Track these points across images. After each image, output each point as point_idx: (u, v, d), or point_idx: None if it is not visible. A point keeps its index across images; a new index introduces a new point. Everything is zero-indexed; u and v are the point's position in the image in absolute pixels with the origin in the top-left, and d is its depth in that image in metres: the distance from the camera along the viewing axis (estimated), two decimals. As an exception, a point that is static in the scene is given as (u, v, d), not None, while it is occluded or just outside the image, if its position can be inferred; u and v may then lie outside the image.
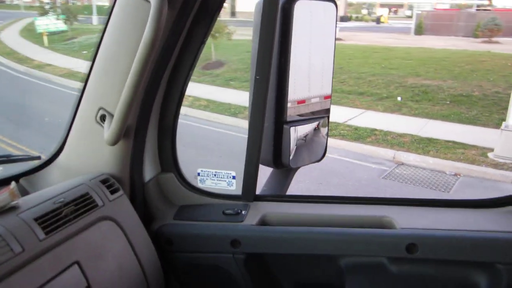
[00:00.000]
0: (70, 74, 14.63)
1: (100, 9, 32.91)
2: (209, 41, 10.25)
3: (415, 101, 11.14)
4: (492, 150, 7.90)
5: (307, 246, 1.58)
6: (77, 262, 1.26)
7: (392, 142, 8.42)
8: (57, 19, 22.08)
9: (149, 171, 1.71)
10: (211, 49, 15.42)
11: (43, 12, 22.64)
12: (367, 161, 7.74)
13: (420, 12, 28.10)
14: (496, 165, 7.36)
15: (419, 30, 26.20)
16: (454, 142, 8.29)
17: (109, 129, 1.43)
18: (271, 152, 1.60)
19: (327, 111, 1.73)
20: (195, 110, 10.39)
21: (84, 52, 19.05)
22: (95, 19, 31.26)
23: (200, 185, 1.80)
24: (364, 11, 51.17)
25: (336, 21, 1.65)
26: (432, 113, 10.32)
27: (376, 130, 9.02)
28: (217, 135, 9.08)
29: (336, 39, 1.68)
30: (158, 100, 1.62)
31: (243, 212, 1.66)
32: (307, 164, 1.72)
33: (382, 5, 58.22)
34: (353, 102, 11.24)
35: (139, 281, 1.47)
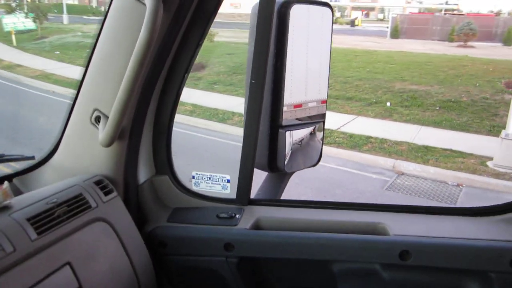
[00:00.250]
0: (43, 76, 13.84)
1: (70, 8, 31.81)
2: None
3: (405, 107, 11.00)
4: (489, 158, 7.79)
5: (300, 251, 1.57)
6: (69, 263, 1.25)
7: (389, 150, 8.20)
8: (26, 17, 21.05)
9: (143, 173, 1.69)
10: (191, 51, 14.94)
11: (10, 10, 21.55)
12: (366, 170, 7.49)
13: (395, 15, 28.32)
14: (498, 175, 7.23)
15: (395, 33, 26.39)
16: (451, 151, 8.14)
17: (103, 131, 1.43)
18: (266, 156, 1.60)
19: (323, 115, 1.72)
20: (181, 115, 9.88)
21: (57, 52, 18.20)
22: (66, 18, 30.16)
23: (194, 188, 1.78)
24: (338, 14, 51.52)
25: (332, 26, 1.65)
26: (423, 119, 10.20)
27: (371, 137, 8.79)
28: (208, 142, 8.64)
29: (332, 43, 1.67)
30: (153, 102, 1.61)
31: (237, 215, 1.65)
32: (302, 169, 1.71)
33: (354, 8, 58.85)
34: (342, 108, 11.01)
35: (131, 283, 1.46)
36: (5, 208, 1.21)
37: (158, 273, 1.62)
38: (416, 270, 1.54)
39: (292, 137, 1.61)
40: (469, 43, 22.54)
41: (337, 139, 8.71)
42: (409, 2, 56.44)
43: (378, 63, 15.78)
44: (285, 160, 1.61)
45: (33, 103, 11.30)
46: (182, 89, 1.64)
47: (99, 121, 1.48)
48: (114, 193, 1.52)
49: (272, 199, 1.78)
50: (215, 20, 1.56)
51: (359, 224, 1.60)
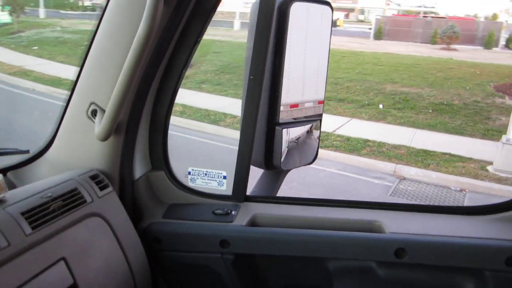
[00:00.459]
0: (22, 73, 13.21)
1: (46, 2, 30.84)
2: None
3: (398, 109, 10.89)
4: (488, 163, 7.71)
5: (296, 248, 1.57)
6: (64, 259, 1.24)
7: (388, 154, 8.03)
8: (2, 10, 20.23)
9: (139, 169, 1.68)
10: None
11: (-16, 3, 20.70)
12: (367, 175, 7.29)
13: (379, 17, 28.43)
14: (500, 180, 7.14)
15: (379, 35, 26.47)
16: (450, 155, 8.03)
17: (100, 125, 1.42)
18: (262, 153, 1.60)
19: (320, 115, 1.72)
20: (172, 116, 9.53)
21: (35, 48, 17.50)
22: (42, 12, 29.20)
23: (190, 184, 1.77)
24: (319, 14, 51.37)
25: (332, 25, 1.64)
26: (417, 122, 10.09)
27: (369, 141, 8.61)
28: (202, 145, 8.29)
29: (330, 43, 1.65)
30: (150, 97, 1.59)
31: (233, 212, 1.64)
32: (298, 167, 1.71)
33: (335, 9, 58.86)
34: (336, 110, 10.81)
35: (126, 278, 1.45)
36: None
37: (153, 269, 1.61)
38: (412, 268, 1.53)
39: (289, 134, 1.60)
40: (452, 46, 22.75)
41: (334, 142, 8.50)
42: (388, 4, 57.04)
43: (366, 64, 15.69)
44: (281, 157, 1.60)
45: (12, 102, 10.72)
46: (179, 85, 1.62)
47: (95, 115, 1.46)
48: (110, 188, 1.50)
49: (268, 196, 1.76)
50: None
51: (355, 222, 1.60)
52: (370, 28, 30.75)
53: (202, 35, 1.55)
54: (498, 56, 20.29)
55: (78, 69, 1.49)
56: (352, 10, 63.00)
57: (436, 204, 6.37)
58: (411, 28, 27.40)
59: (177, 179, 1.76)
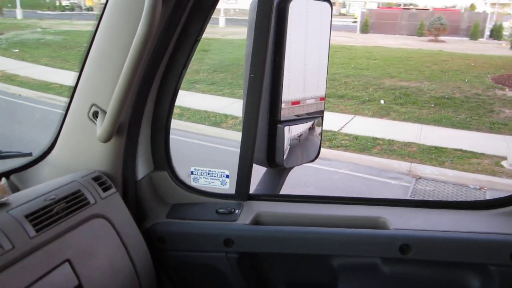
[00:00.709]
0: (6, 78, 12.59)
1: (24, 2, 29.85)
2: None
3: (400, 105, 10.68)
4: (502, 158, 7.54)
5: (300, 246, 1.57)
6: (68, 260, 1.23)
7: (400, 152, 7.79)
8: (-22, 12, 19.40)
9: (142, 169, 1.68)
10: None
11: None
12: (382, 176, 7.03)
13: (365, 10, 28.28)
14: (517, 176, 6.96)
15: (365, 28, 26.32)
16: (462, 151, 7.83)
17: (101, 126, 1.42)
18: (264, 151, 1.60)
19: (321, 112, 1.71)
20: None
21: (15, 50, 16.79)
22: (19, 13, 28.22)
23: (193, 183, 1.76)
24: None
25: (331, 21, 1.63)
26: (422, 117, 9.88)
27: (377, 139, 8.36)
28: (205, 149, 7.92)
29: (330, 39, 1.65)
30: (151, 97, 1.59)
31: (236, 211, 1.64)
32: (300, 164, 1.71)
33: (316, 3, 58.62)
34: (337, 107, 10.55)
35: (130, 279, 1.45)
36: (3, 205, 1.19)
37: (157, 269, 1.61)
38: (417, 264, 1.53)
39: (291, 132, 1.60)
40: (440, 38, 22.73)
41: (342, 141, 8.22)
42: (369, -3, 57.09)
43: (359, 58, 15.47)
44: (283, 155, 1.60)
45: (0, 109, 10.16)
46: (180, 84, 1.61)
47: (97, 117, 1.46)
48: (113, 189, 1.50)
49: (272, 194, 1.76)
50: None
51: (359, 219, 1.59)
52: (354, 22, 30.62)
53: (201, 34, 1.53)
54: (486, 47, 20.32)
55: (78, 71, 1.48)
56: (333, 3, 62.94)
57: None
58: (397, 21, 27.33)
59: (180, 179, 1.75)
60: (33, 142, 6.61)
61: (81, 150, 1.54)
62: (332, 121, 9.36)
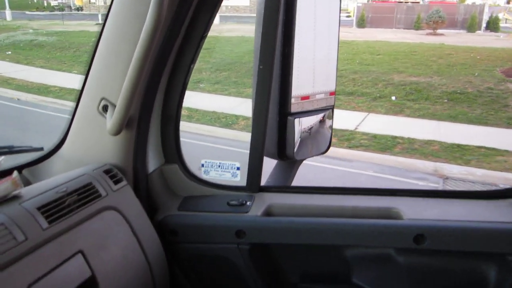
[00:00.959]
0: (2, 81, 12.15)
1: (11, 3, 29.18)
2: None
3: (412, 101, 10.42)
4: (526, 154, 7.31)
5: (312, 236, 1.55)
6: (81, 252, 1.25)
7: (422, 151, 7.52)
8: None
9: (152, 162, 1.68)
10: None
11: None
12: (408, 176, 6.75)
13: (360, 4, 28.01)
14: (546, 173, 6.73)
15: (361, 23, 26.03)
16: (486, 148, 7.57)
17: (111, 119, 1.42)
18: (275, 144, 1.59)
19: (332, 105, 1.70)
20: (180, 122, 8.77)
21: (8, 52, 16.29)
22: (8, 14, 27.58)
23: (204, 176, 1.75)
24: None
25: (340, 12, 1.62)
26: (437, 113, 9.64)
27: (397, 137, 8.09)
28: (220, 153, 7.57)
29: (339, 31, 1.63)
30: (160, 91, 1.59)
31: (248, 203, 1.63)
32: (311, 156, 1.70)
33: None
34: (349, 104, 10.27)
35: (143, 271, 1.45)
36: (15, 197, 1.20)
37: (169, 261, 1.61)
38: (431, 254, 1.51)
39: (301, 124, 1.58)
40: (438, 31, 22.54)
41: (361, 141, 7.94)
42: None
43: (363, 54, 15.19)
44: (294, 147, 1.59)
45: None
46: (188, 78, 1.61)
47: (106, 110, 1.46)
48: (124, 182, 1.51)
49: (283, 186, 1.76)
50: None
51: (372, 209, 1.57)
52: (347, 16, 30.32)
53: (209, 27, 1.52)
54: (485, 39, 20.14)
55: (87, 65, 1.49)
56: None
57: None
58: (394, 15, 27.10)
59: (191, 172, 1.75)
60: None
61: (91, 144, 1.54)
62: (346, 119, 9.09)
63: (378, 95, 10.86)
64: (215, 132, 8.46)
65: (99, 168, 1.47)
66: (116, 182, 1.47)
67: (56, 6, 37.81)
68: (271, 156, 1.64)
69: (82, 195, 1.34)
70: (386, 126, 8.78)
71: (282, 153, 1.61)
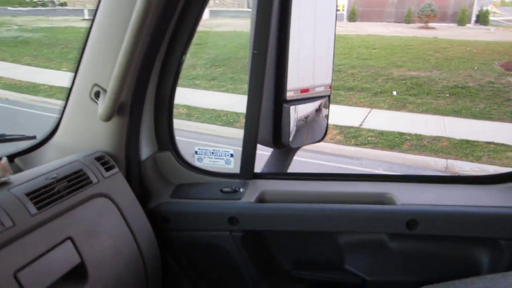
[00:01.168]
0: (-11, 80, 11.66)
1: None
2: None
3: (414, 96, 10.25)
4: (536, 149, 7.17)
5: (305, 223, 1.54)
6: (70, 238, 1.23)
7: (432, 148, 7.34)
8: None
9: (145, 149, 1.66)
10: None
11: None
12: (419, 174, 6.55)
13: (351, -2, 27.81)
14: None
15: (353, 16, 25.86)
16: (495, 144, 7.42)
17: (102, 105, 1.40)
18: (270, 131, 1.58)
19: (328, 94, 1.69)
20: (179, 120, 8.44)
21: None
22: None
23: (197, 163, 1.74)
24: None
25: (337, 4, 1.64)
26: (440, 108, 9.47)
27: (403, 134, 7.90)
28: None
29: (336, 21, 1.62)
30: (153, 78, 1.56)
31: (241, 189, 1.62)
32: (307, 144, 1.71)
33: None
34: (350, 100, 10.06)
35: (134, 258, 1.44)
36: (4, 183, 1.20)
37: (162, 249, 1.59)
38: (424, 239, 1.51)
39: (297, 112, 1.57)
40: (430, 25, 22.46)
41: (369, 138, 7.73)
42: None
43: (359, 48, 14.99)
44: (290, 135, 1.58)
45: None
46: (183, 61, 1.58)
47: (99, 96, 1.45)
48: (116, 169, 1.49)
49: (276, 172, 1.75)
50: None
51: (365, 195, 1.57)
52: (338, 10, 30.09)
53: (205, 6, 1.49)
54: (476, 33, 20.12)
55: (80, 51, 1.46)
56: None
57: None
58: (384, 8, 27.00)
59: (184, 159, 1.73)
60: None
61: (84, 131, 1.53)
62: (350, 115, 8.89)
63: (379, 90, 10.66)
64: (217, 131, 8.17)
65: (90, 155, 1.46)
66: (108, 169, 1.46)
67: (39, 1, 36.85)
68: (266, 144, 1.63)
69: (73, 182, 1.32)
70: (391, 122, 8.59)
71: (277, 141, 1.59)
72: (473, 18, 26.15)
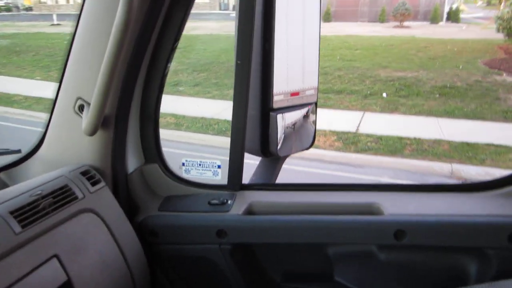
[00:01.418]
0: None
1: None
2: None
3: (404, 97, 10.14)
4: (534, 150, 7.13)
5: (294, 235, 1.54)
6: (56, 256, 1.22)
7: (433, 152, 7.19)
8: None
9: (132, 162, 1.65)
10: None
11: None
12: (426, 181, 6.39)
13: (325, -2, 27.81)
14: None
15: (327, 16, 25.84)
16: (494, 145, 7.34)
17: (86, 119, 1.40)
18: (258, 140, 1.58)
19: (315, 101, 1.68)
20: (167, 130, 8.02)
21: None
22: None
23: (185, 175, 1.74)
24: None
25: (320, 6, 1.61)
26: (432, 109, 9.38)
27: (402, 138, 7.73)
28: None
29: (320, 25, 1.62)
30: (138, 90, 1.55)
31: (229, 201, 1.61)
32: (295, 153, 1.70)
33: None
34: (341, 103, 9.86)
35: (123, 274, 1.43)
36: None
37: (150, 263, 1.58)
38: (413, 250, 1.50)
39: (285, 120, 1.57)
40: (404, 23, 22.66)
41: (368, 144, 7.52)
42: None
43: (340, 49, 14.88)
44: (278, 144, 1.58)
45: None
46: (167, 72, 1.57)
47: (83, 110, 1.44)
48: (102, 183, 1.48)
49: (265, 183, 1.73)
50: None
51: (353, 205, 1.57)
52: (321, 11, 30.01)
53: (185, 22, 1.49)
54: (450, 31, 20.43)
55: (63, 65, 1.46)
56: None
57: None
58: (358, 8, 27.11)
59: (172, 171, 1.73)
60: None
61: (69, 145, 1.52)
62: (344, 120, 8.68)
63: (368, 92, 10.51)
64: (210, 141, 7.79)
65: (76, 170, 1.44)
66: (93, 184, 1.44)
67: (3, 6, 35.41)
68: (254, 153, 1.62)
69: (58, 198, 1.31)
70: (387, 125, 8.42)
71: (265, 150, 1.59)
72: (445, 16, 26.57)
